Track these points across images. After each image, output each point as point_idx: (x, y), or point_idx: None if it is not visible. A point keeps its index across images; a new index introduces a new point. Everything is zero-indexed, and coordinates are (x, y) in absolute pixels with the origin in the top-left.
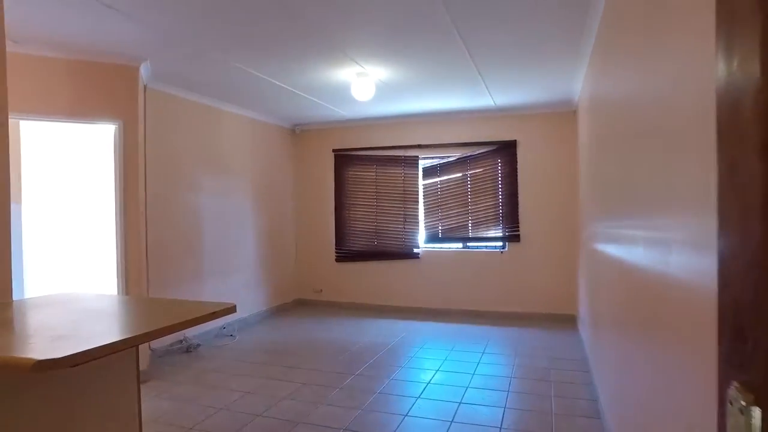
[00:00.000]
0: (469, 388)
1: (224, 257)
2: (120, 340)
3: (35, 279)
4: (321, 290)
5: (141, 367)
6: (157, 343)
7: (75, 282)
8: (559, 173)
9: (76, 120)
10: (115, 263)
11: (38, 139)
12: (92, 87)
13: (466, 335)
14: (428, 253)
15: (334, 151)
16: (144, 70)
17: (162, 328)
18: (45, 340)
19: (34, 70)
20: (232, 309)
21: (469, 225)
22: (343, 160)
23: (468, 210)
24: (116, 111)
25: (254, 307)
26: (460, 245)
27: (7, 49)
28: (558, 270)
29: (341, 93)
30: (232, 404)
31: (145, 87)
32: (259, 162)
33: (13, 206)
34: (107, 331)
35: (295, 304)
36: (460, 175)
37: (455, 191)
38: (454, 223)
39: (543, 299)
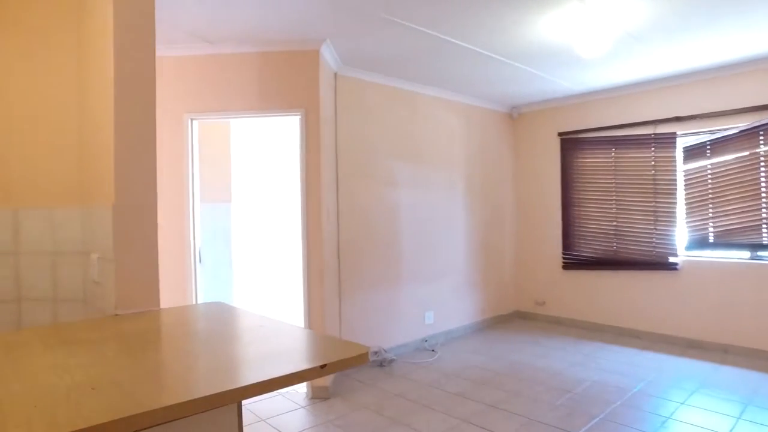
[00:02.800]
0: None
1: (427, 260)
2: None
3: (241, 277)
4: (544, 302)
5: (326, 382)
6: None
7: (275, 280)
8: None
9: (264, 113)
10: (300, 264)
11: (244, 136)
12: (276, 77)
13: (758, 386)
14: (692, 264)
15: (560, 135)
16: (327, 53)
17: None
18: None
19: (226, 68)
20: (354, 361)
21: (765, 226)
22: (572, 145)
23: (762, 204)
24: (298, 100)
25: (463, 318)
26: (746, 255)
27: (203, 51)
28: None
29: (565, 57)
30: None
31: (335, 75)
32: (470, 152)
33: (223, 205)
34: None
35: (512, 317)
36: (746, 153)
37: (738, 178)
38: (737, 224)
39: None
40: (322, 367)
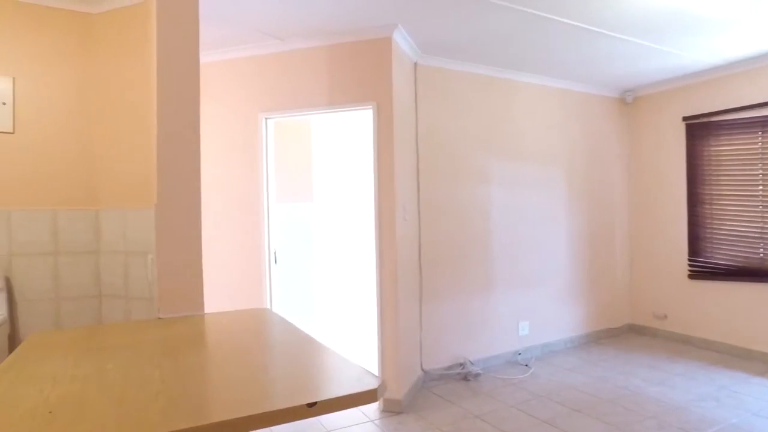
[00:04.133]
0: None
1: (522, 263)
2: None
3: (323, 278)
4: (665, 316)
5: (399, 395)
6: (432, 363)
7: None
8: None
9: (335, 109)
10: (374, 266)
11: (326, 133)
12: (347, 70)
13: None
14: None
15: (685, 119)
16: (402, 41)
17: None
18: None
19: (298, 64)
20: (352, 401)
21: None
22: (701, 130)
23: None
24: (370, 92)
25: (563, 330)
26: None
27: (275, 48)
28: None
29: (691, 20)
30: None
31: (415, 65)
32: (573, 143)
33: (304, 205)
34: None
35: (625, 332)
36: None
37: None
38: None
39: None
40: (310, 405)
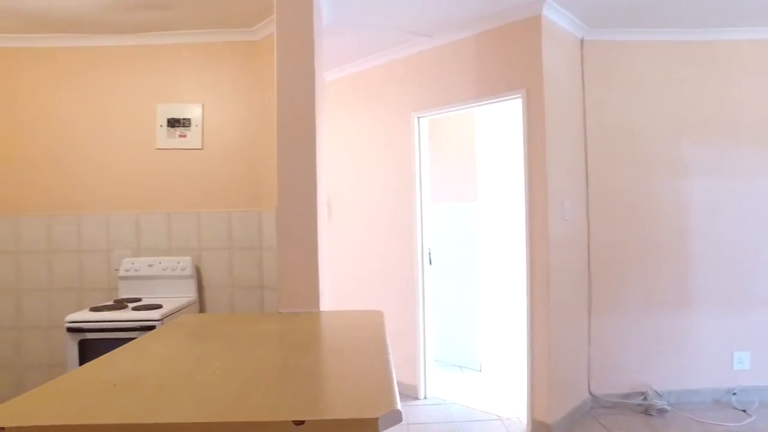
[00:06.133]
0: None
1: (738, 279)
2: None
3: (488, 281)
4: None
5: (549, 418)
6: (604, 387)
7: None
8: None
9: (481, 101)
10: (525, 271)
11: (490, 129)
12: (492, 58)
13: None
14: None
15: None
16: (556, 16)
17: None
18: None
19: (445, 59)
20: (358, 425)
21: None
22: None
23: None
24: (518, 79)
25: None
26: None
27: (423, 46)
28: None
29: None
30: None
31: (581, 42)
32: None
33: (468, 205)
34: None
35: None
36: None
37: None
38: None
39: None
40: (297, 423)
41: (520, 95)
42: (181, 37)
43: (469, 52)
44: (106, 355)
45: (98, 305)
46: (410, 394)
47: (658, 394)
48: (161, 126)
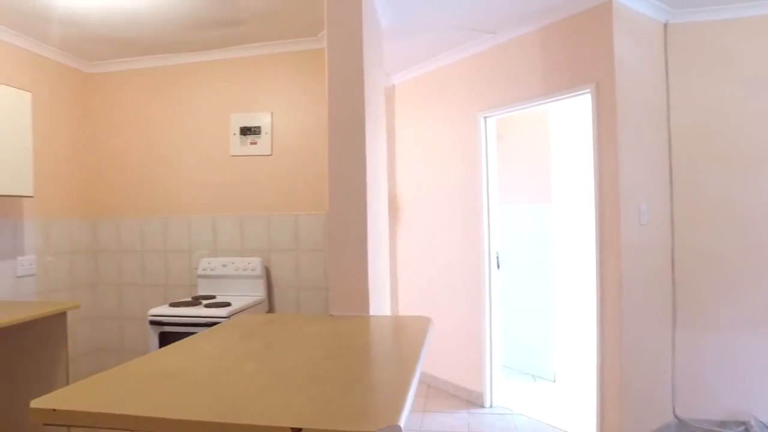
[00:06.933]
0: None
1: None
2: None
3: (563, 286)
4: None
5: None
6: (693, 411)
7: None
8: None
9: (547, 99)
10: (594, 279)
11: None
12: (559, 52)
13: None
14: None
15: None
16: (630, 1)
17: None
18: None
19: (511, 56)
20: None
21: None
22: None
23: None
24: (587, 73)
25: None
26: None
27: (487, 44)
28: None
29: None
30: None
31: (665, 26)
32: None
33: (542, 206)
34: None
35: None
36: None
37: None
38: None
39: None
40: (295, 430)
41: (588, 90)
42: (251, 50)
43: (535, 47)
44: (163, 348)
45: (177, 301)
46: (475, 401)
47: (764, 424)
48: (234, 134)
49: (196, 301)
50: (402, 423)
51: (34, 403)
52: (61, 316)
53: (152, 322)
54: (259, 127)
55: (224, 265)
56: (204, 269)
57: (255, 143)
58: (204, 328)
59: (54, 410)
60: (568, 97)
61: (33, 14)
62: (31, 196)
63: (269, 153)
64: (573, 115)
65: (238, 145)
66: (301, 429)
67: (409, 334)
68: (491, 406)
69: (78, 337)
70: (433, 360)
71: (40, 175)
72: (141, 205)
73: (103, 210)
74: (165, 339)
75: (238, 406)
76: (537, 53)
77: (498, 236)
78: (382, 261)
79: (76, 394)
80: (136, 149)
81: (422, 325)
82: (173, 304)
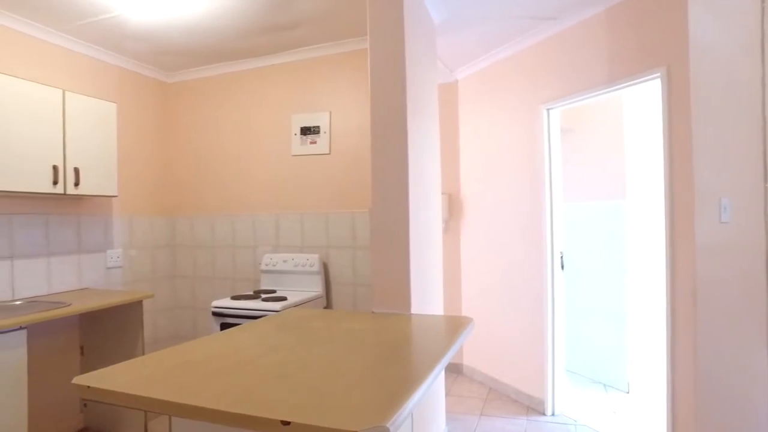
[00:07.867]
0: None
1: None
2: None
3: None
4: None
5: None
6: None
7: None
8: None
9: (613, 87)
10: (664, 280)
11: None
12: (626, 35)
13: None
14: None
15: None
16: None
17: None
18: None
19: (574, 42)
20: None
21: None
22: None
23: None
24: (657, 55)
25: None
26: None
27: (547, 32)
28: None
29: None
30: None
31: None
32: None
33: (615, 203)
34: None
35: None
36: None
37: None
38: None
39: None
40: (284, 423)
41: (659, 74)
42: (309, 52)
43: (599, 31)
44: (204, 337)
45: (239, 294)
46: (536, 407)
47: None
48: (295, 134)
49: (256, 295)
50: (391, 424)
51: (76, 380)
52: (138, 304)
53: (215, 313)
54: (318, 127)
55: (285, 261)
56: (266, 264)
57: (314, 143)
58: None
59: (89, 387)
60: (636, 83)
61: (112, 31)
62: (116, 196)
63: (327, 152)
64: (650, 103)
65: (298, 144)
66: (290, 423)
67: (441, 334)
68: (553, 414)
69: (158, 325)
70: (495, 363)
71: (125, 176)
72: (211, 202)
73: (178, 207)
74: (225, 329)
75: (243, 396)
76: (601, 37)
77: (562, 235)
78: (430, 259)
79: (113, 374)
80: (207, 151)
81: (461, 324)
82: (235, 297)
